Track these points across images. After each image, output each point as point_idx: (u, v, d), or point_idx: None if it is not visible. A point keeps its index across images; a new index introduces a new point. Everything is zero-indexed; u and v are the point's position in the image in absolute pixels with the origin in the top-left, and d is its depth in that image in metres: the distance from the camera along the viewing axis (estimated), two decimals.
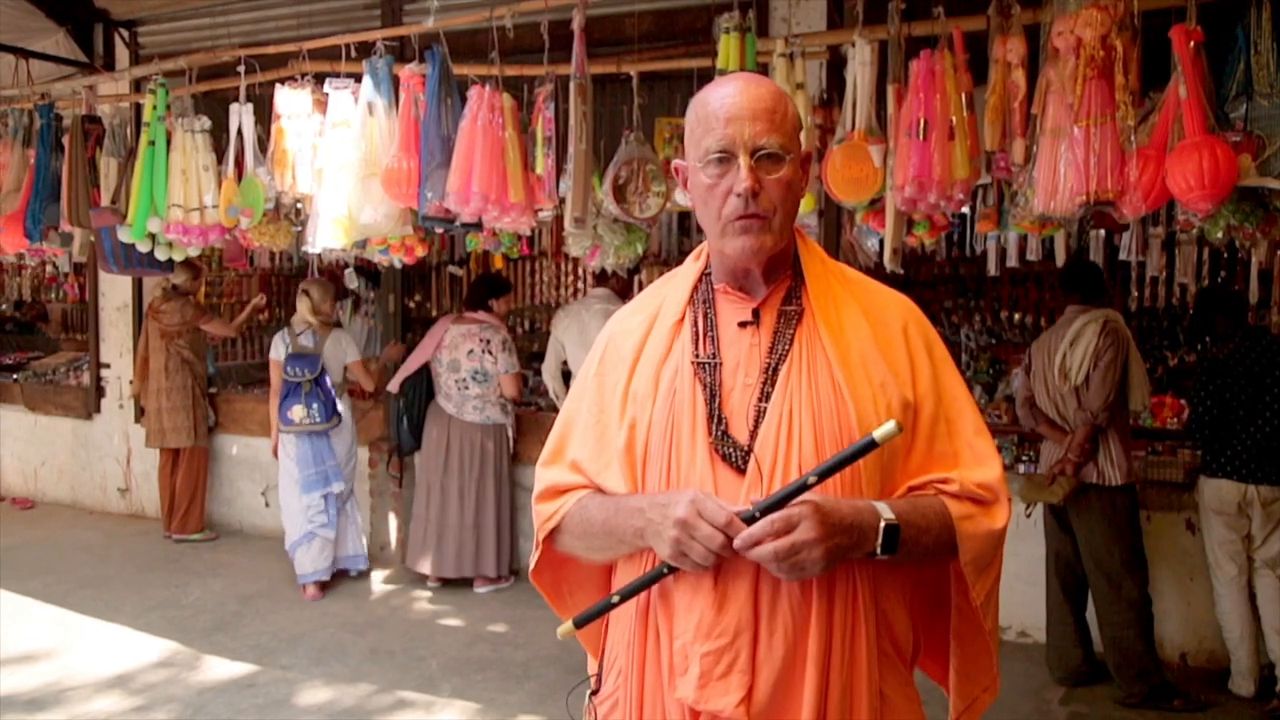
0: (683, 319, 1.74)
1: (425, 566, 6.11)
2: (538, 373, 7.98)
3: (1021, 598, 5.08)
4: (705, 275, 1.78)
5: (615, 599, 1.67)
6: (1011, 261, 6.25)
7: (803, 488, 1.51)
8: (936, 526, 1.60)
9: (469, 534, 6.04)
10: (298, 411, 6.05)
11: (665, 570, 1.60)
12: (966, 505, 1.64)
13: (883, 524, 1.54)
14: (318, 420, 6.06)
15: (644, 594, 1.66)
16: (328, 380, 6.16)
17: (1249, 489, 4.49)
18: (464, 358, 6.00)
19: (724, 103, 1.64)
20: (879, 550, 1.54)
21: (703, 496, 1.54)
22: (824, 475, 1.52)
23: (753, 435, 1.62)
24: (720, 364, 1.68)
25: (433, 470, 6.10)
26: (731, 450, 1.62)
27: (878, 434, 1.50)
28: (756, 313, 1.70)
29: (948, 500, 1.63)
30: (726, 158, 1.63)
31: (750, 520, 1.51)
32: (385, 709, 4.51)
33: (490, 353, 6.01)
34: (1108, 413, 4.52)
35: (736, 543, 1.49)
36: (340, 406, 6.28)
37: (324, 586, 6.18)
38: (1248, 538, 4.56)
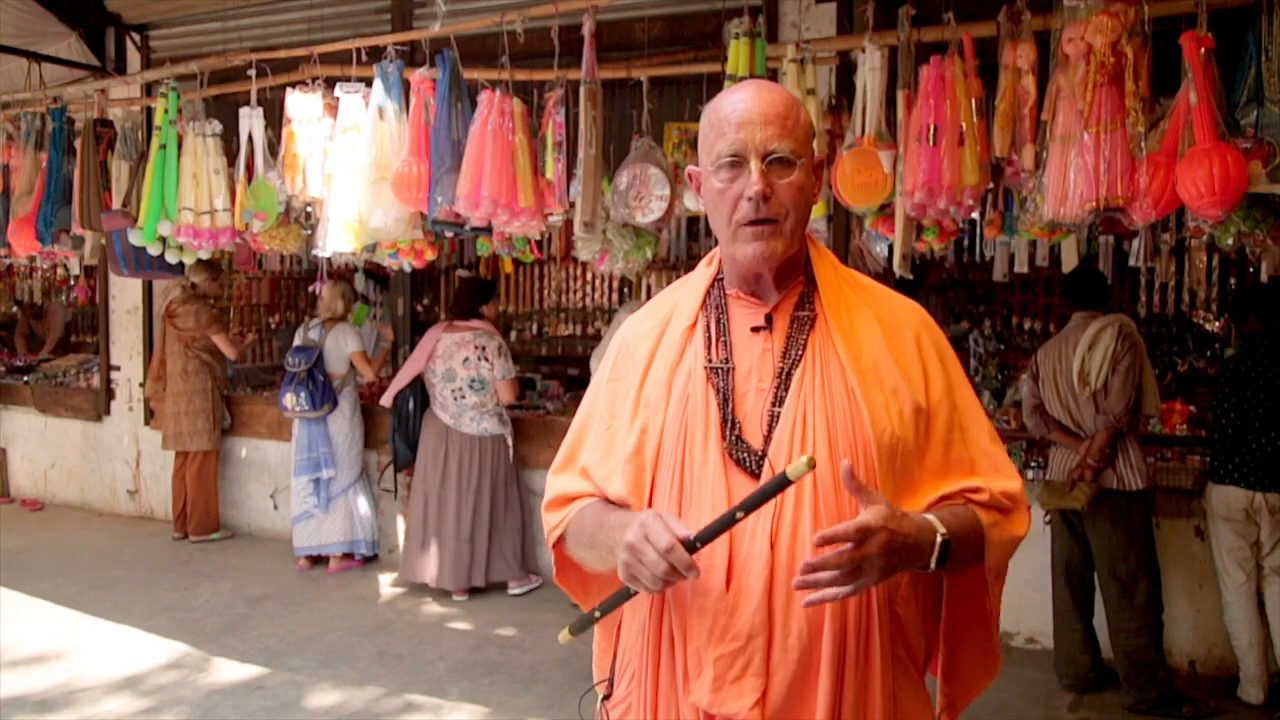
0: (695, 324, 1.74)
1: (423, 576, 6.07)
2: (546, 377, 8.01)
3: (1029, 604, 5.07)
4: (717, 281, 1.78)
5: (597, 614, 1.70)
6: (1020, 267, 6.24)
7: (731, 521, 1.50)
8: (974, 537, 1.62)
9: (464, 545, 6.02)
10: (289, 399, 6.51)
11: (630, 592, 1.62)
12: (994, 514, 1.66)
13: (938, 539, 1.54)
14: (305, 408, 6.46)
15: (657, 599, 1.66)
16: (321, 372, 6.53)
17: (1256, 496, 4.47)
18: (459, 366, 5.96)
19: (736, 108, 1.65)
20: (933, 565, 1.54)
21: (653, 519, 1.52)
22: (749, 509, 1.50)
23: (766, 440, 1.62)
24: (733, 369, 1.68)
25: (430, 480, 6.07)
26: (745, 455, 1.62)
27: (790, 470, 1.46)
28: (769, 318, 1.70)
29: (977, 509, 1.65)
30: (738, 162, 1.63)
31: (691, 548, 1.49)
32: (393, 712, 4.52)
33: (486, 359, 5.96)
34: (1129, 416, 4.52)
35: (803, 566, 1.46)
36: (341, 397, 6.60)
37: (314, 561, 6.71)
38: (1256, 544, 4.55)
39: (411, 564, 6.14)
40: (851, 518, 1.57)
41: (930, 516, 1.57)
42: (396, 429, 6.20)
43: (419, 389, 6.17)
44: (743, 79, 4.06)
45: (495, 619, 5.73)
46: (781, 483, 1.48)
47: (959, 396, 1.71)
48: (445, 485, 6.03)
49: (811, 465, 1.44)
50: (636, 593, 1.60)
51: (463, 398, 5.99)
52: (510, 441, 6.19)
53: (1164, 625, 4.62)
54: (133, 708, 4.54)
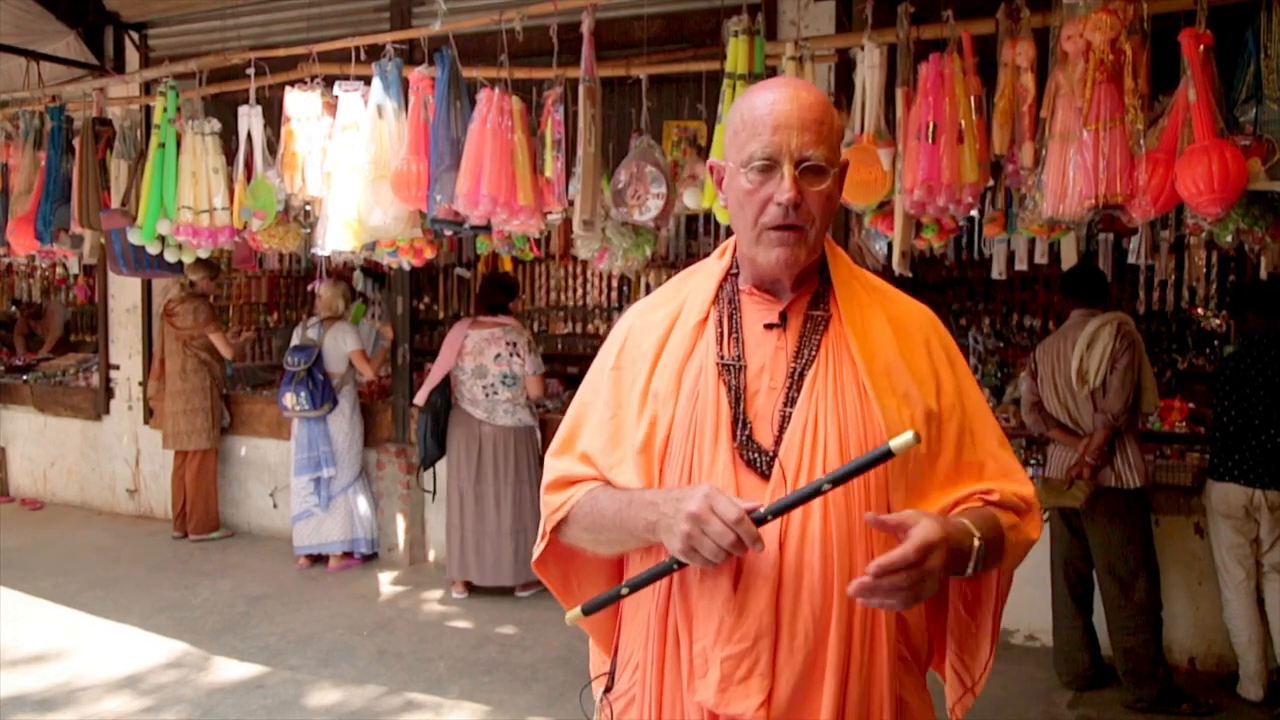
0: (706, 318, 1.72)
1: (471, 576, 6.04)
2: (545, 375, 8.01)
3: (1029, 601, 5.07)
4: (730, 275, 1.77)
5: (625, 590, 1.65)
6: (1020, 265, 6.24)
7: (816, 493, 1.49)
8: (997, 539, 1.61)
9: (507, 540, 5.98)
10: (289, 399, 6.52)
11: (675, 565, 1.58)
12: (1011, 516, 1.65)
13: (976, 544, 1.53)
14: (306, 407, 6.46)
15: (663, 596, 1.65)
16: (320, 371, 6.53)
17: (1256, 493, 4.48)
18: (491, 363, 5.94)
19: (772, 109, 1.61)
20: (971, 570, 1.53)
21: (716, 492, 1.51)
22: (838, 482, 1.50)
23: (777, 440, 1.61)
24: (745, 366, 1.66)
25: (465, 478, 6.02)
26: (756, 455, 1.61)
27: (894, 443, 1.46)
28: (784, 316, 1.69)
29: (996, 511, 1.64)
30: (770, 166, 1.60)
31: (760, 521, 1.49)
32: (393, 710, 4.52)
33: (518, 355, 5.97)
34: (1127, 415, 4.52)
35: (872, 568, 1.43)
36: (340, 396, 6.61)
37: (314, 560, 6.74)
38: (1255, 542, 4.55)
39: (456, 564, 6.09)
40: (860, 521, 1.57)
41: (964, 520, 1.56)
42: (428, 428, 6.12)
43: (443, 387, 6.12)
44: (741, 77, 4.07)
45: (495, 617, 5.73)
46: (883, 455, 1.47)
47: (969, 400, 1.71)
48: (481, 481, 5.99)
49: (918, 439, 1.45)
50: (681, 567, 1.57)
51: (495, 393, 5.97)
52: (539, 435, 6.20)
53: (1163, 622, 4.63)
54: (133, 707, 4.54)
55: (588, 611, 1.72)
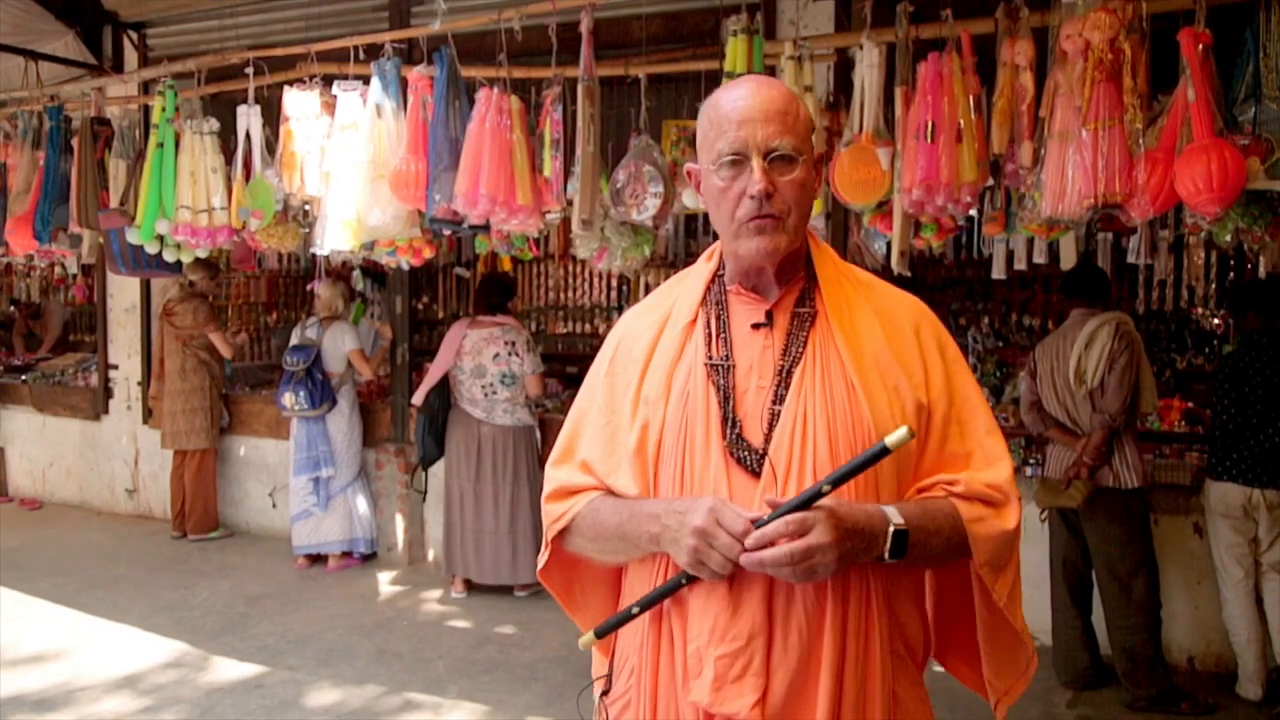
0: (695, 320, 1.74)
1: (471, 574, 6.07)
2: (544, 375, 8.03)
3: (1028, 600, 4.98)
4: (718, 276, 1.78)
5: (635, 610, 1.66)
6: (1019, 264, 6.24)
7: (816, 495, 1.50)
8: (947, 529, 1.60)
9: (505, 539, 5.98)
10: (288, 398, 6.54)
11: (684, 580, 1.59)
12: (977, 507, 1.63)
13: (891, 529, 1.54)
14: (305, 407, 6.47)
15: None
16: (319, 371, 6.55)
17: (1254, 493, 4.47)
18: (489, 362, 5.94)
19: (736, 105, 1.64)
20: (886, 555, 1.54)
21: (721, 504, 1.53)
22: (837, 482, 1.51)
23: (767, 438, 1.61)
24: (733, 366, 1.67)
25: (464, 477, 6.02)
26: (746, 454, 1.61)
27: (890, 440, 1.48)
28: (770, 314, 1.69)
29: (957, 502, 1.63)
30: (740, 160, 1.62)
31: None
32: (393, 710, 4.52)
33: (517, 354, 5.96)
34: (1125, 414, 4.52)
35: (749, 540, 1.49)
36: (339, 395, 6.62)
37: (313, 559, 6.74)
38: (1254, 541, 4.55)
39: (455, 562, 6.11)
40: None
41: (888, 507, 1.57)
42: (427, 427, 6.10)
43: (442, 387, 6.10)
44: (741, 76, 4.06)
45: (495, 617, 5.73)
46: (880, 453, 1.50)
47: (957, 390, 1.70)
48: (480, 480, 5.99)
49: (912, 435, 1.49)
50: (691, 582, 1.59)
51: (494, 393, 5.96)
52: (538, 434, 6.19)
53: (1162, 622, 4.63)
54: (132, 707, 4.54)
55: (600, 634, 1.74)
